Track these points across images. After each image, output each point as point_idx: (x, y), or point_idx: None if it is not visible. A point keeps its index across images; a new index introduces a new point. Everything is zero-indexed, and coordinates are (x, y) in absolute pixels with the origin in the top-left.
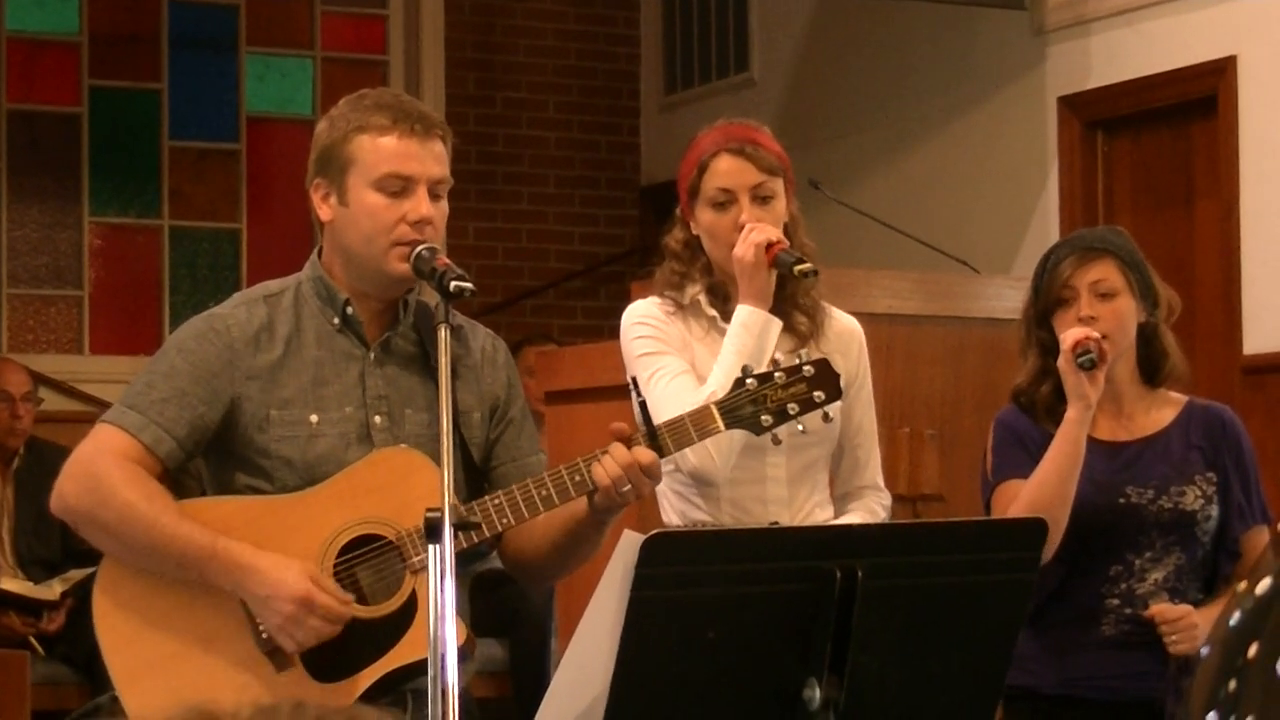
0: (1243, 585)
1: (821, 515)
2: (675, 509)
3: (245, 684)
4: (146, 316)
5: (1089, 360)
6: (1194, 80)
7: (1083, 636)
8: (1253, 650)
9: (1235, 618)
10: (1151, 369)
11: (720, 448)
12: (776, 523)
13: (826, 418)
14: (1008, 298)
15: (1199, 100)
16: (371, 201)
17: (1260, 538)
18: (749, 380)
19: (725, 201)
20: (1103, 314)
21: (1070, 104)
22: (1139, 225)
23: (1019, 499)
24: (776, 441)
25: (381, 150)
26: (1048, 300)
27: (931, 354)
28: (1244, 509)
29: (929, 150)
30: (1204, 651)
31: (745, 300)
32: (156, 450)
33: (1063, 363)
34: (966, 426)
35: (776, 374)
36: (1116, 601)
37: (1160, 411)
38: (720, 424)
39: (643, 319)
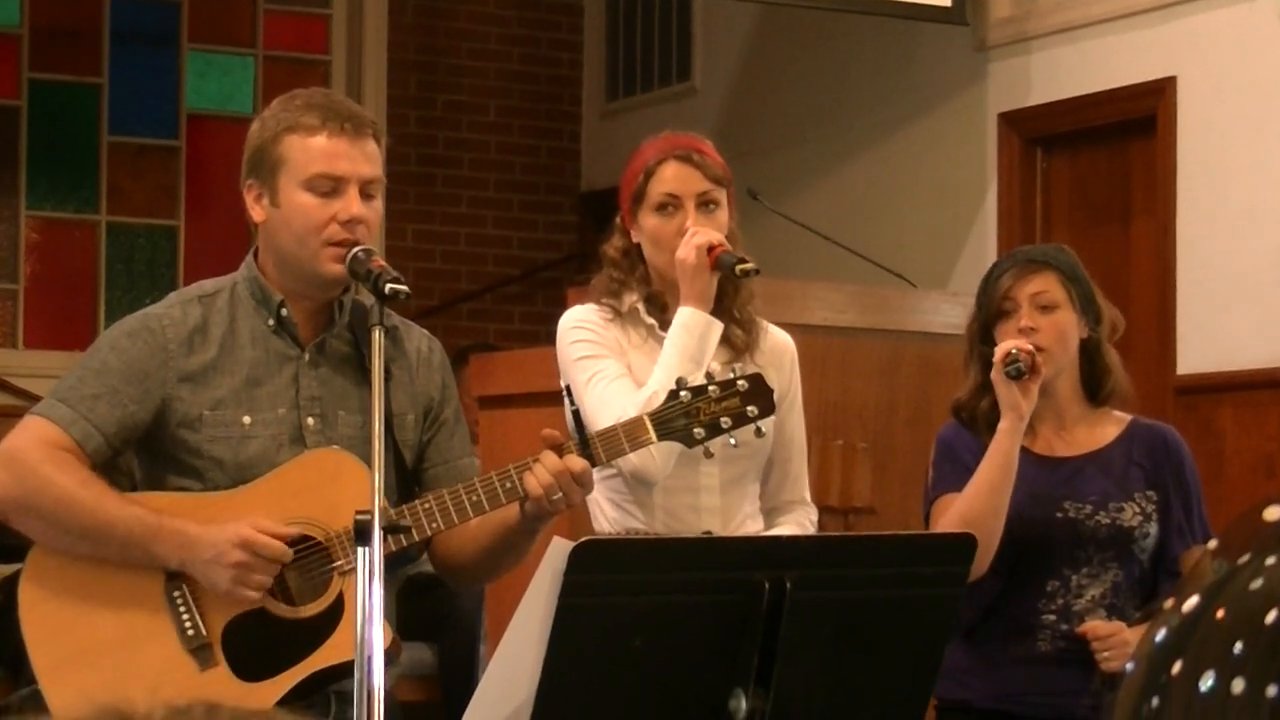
0: (1169, 603)
1: (754, 526)
2: (608, 517)
3: (168, 681)
4: (82, 312)
5: (1015, 370)
6: (1133, 100)
7: (1018, 651)
8: (1176, 668)
9: (1160, 635)
10: (1094, 386)
11: (661, 448)
12: (710, 532)
13: (759, 433)
14: (943, 312)
15: (1138, 120)
16: (302, 202)
17: None
18: (683, 393)
19: (670, 207)
20: (1042, 326)
21: (1010, 120)
22: (1076, 243)
23: (951, 511)
24: (709, 455)
25: (311, 150)
26: (989, 313)
27: (866, 367)
28: (1184, 528)
29: (868, 163)
30: (1129, 668)
31: (687, 302)
32: (85, 445)
33: (995, 374)
34: (900, 440)
35: (710, 387)
36: (1053, 617)
37: (1103, 429)
38: (653, 435)
39: (580, 323)
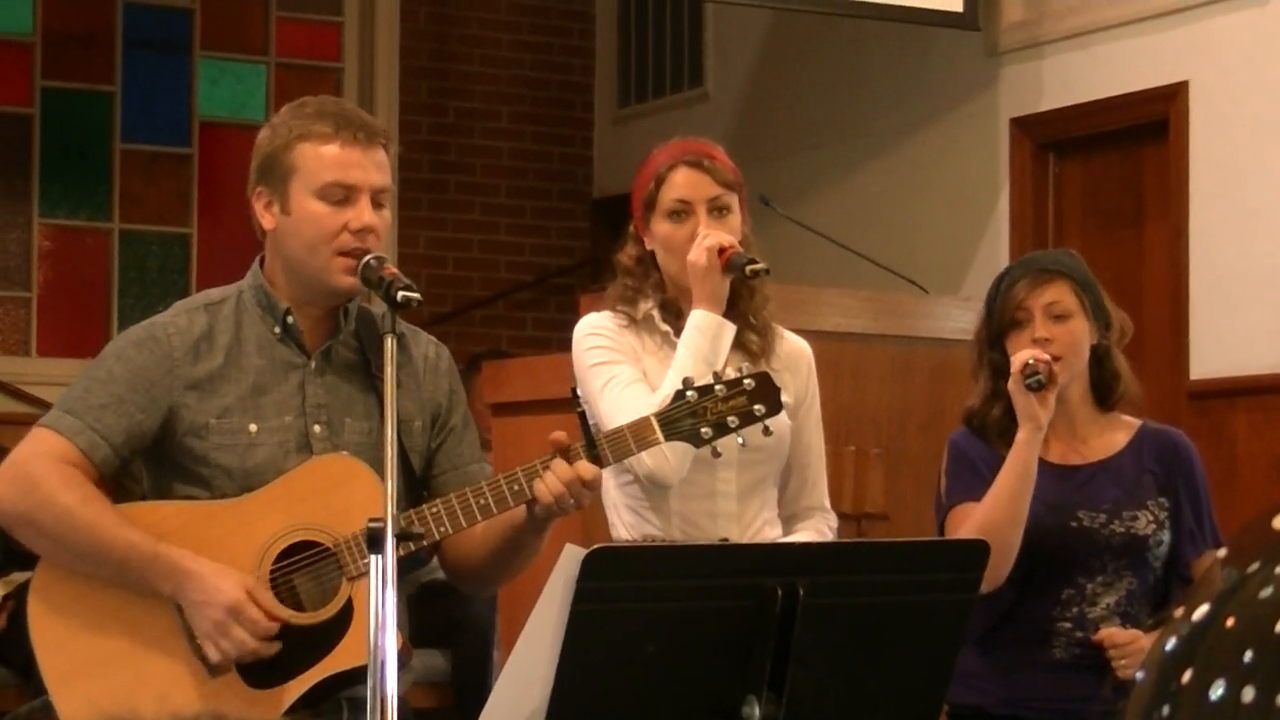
0: (1180, 611)
1: (771, 533)
2: (625, 522)
3: (178, 689)
4: (95, 319)
5: (1036, 381)
6: (1146, 104)
7: (1033, 657)
8: (1186, 676)
9: (1171, 643)
10: (1104, 391)
11: (676, 451)
12: (726, 538)
13: (766, 431)
14: (956, 318)
15: (1150, 124)
16: (314, 210)
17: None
18: (689, 393)
19: (682, 213)
20: (1057, 335)
21: (1022, 125)
22: (1088, 248)
23: (970, 521)
24: (716, 454)
25: (324, 158)
26: (1001, 322)
27: (879, 372)
28: (1195, 534)
29: (881, 169)
30: (1139, 676)
31: (699, 304)
32: (92, 456)
33: (1012, 384)
34: (912, 446)
35: (717, 386)
36: (1068, 624)
37: (1113, 435)
38: (659, 435)
39: (595, 330)
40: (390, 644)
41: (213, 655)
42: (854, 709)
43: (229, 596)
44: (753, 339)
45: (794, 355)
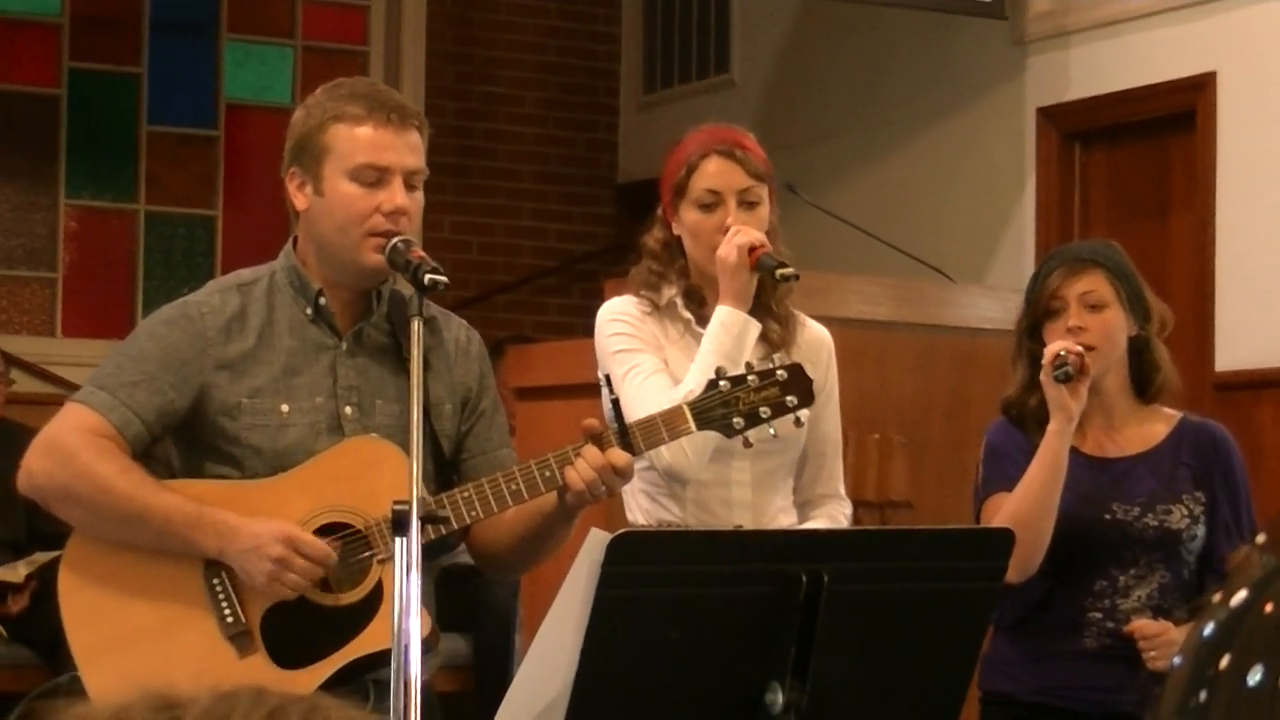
0: (1217, 597)
1: (785, 521)
2: (641, 508)
3: (207, 668)
4: (120, 301)
5: (1064, 373)
6: (1173, 95)
7: (1064, 647)
8: (1224, 662)
9: (1208, 629)
10: (1143, 383)
11: (695, 445)
12: (740, 526)
13: (798, 423)
14: (981, 306)
15: (1177, 115)
16: (346, 191)
17: None
18: (722, 382)
19: (712, 203)
20: (1091, 325)
21: (1048, 115)
22: (1114, 238)
23: (1001, 511)
24: (747, 445)
25: (357, 140)
26: (1038, 311)
27: (903, 361)
28: (1232, 529)
29: (906, 157)
30: (1176, 662)
31: (725, 301)
32: (125, 432)
33: (1043, 375)
34: (936, 434)
35: (749, 377)
36: (1099, 615)
37: (1152, 427)
38: (692, 424)
39: (619, 316)
40: (415, 627)
41: (281, 592)
42: (878, 696)
43: (280, 530)
44: (774, 328)
45: (814, 344)
